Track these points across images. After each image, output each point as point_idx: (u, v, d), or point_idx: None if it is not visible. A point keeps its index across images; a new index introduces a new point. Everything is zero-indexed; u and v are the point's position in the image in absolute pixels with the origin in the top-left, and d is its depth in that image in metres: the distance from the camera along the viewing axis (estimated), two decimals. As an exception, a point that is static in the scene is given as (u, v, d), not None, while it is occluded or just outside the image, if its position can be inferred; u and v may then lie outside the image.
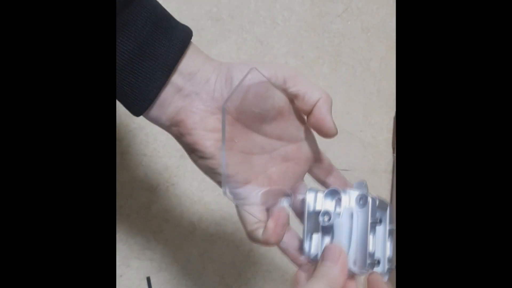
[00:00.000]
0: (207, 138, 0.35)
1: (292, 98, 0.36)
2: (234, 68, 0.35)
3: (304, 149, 0.39)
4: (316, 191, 0.38)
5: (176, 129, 0.36)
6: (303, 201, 0.38)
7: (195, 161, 0.37)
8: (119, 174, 0.61)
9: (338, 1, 0.75)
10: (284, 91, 0.36)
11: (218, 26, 0.68)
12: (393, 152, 0.75)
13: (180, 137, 0.37)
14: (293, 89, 0.36)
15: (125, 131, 0.62)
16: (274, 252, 0.69)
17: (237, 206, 0.37)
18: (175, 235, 0.65)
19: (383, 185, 0.74)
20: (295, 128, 0.38)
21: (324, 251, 0.35)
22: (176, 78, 0.35)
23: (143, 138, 0.63)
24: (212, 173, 0.37)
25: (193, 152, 0.36)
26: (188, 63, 0.35)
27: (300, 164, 0.39)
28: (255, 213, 0.36)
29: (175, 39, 0.35)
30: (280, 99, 0.36)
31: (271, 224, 0.36)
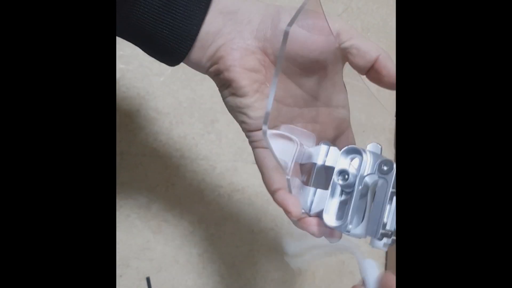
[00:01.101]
0: (244, 77, 0.35)
1: (345, 54, 0.35)
2: (283, 11, 0.34)
3: (337, 117, 0.38)
4: (329, 145, 0.36)
5: (215, 67, 0.36)
6: (310, 154, 0.36)
7: (225, 97, 0.37)
8: (119, 174, 0.61)
9: (338, 0, 0.75)
10: (337, 45, 0.34)
11: (218, 26, 0.68)
12: (393, 152, 0.75)
13: (217, 74, 0.36)
14: (347, 43, 0.34)
15: (125, 130, 0.62)
16: (274, 253, 0.69)
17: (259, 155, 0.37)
18: (175, 235, 0.65)
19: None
20: (335, 91, 0.36)
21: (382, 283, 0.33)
22: (216, 18, 0.35)
23: (143, 138, 0.63)
24: (238, 112, 0.36)
25: (227, 88, 0.36)
26: (226, 1, 0.35)
27: (327, 131, 0.38)
28: (277, 176, 0.36)
29: None
30: (330, 53, 0.34)
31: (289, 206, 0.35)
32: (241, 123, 0.37)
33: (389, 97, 0.75)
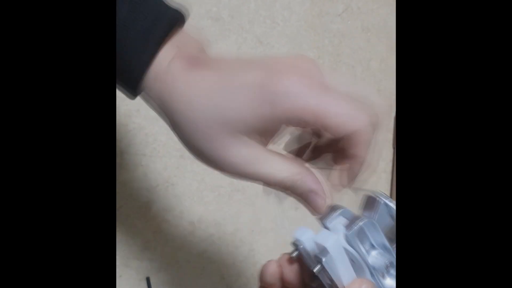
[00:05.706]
0: None
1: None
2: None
3: None
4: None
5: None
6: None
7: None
8: (119, 174, 0.61)
9: (338, 0, 0.75)
10: None
11: (218, 26, 0.68)
12: (393, 152, 0.75)
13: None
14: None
15: (124, 131, 0.62)
16: (274, 252, 0.69)
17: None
18: (175, 235, 0.65)
19: (382, 185, 0.74)
20: None
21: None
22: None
23: (143, 138, 0.63)
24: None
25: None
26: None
27: None
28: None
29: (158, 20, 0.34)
30: None
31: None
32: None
33: (389, 96, 0.75)
